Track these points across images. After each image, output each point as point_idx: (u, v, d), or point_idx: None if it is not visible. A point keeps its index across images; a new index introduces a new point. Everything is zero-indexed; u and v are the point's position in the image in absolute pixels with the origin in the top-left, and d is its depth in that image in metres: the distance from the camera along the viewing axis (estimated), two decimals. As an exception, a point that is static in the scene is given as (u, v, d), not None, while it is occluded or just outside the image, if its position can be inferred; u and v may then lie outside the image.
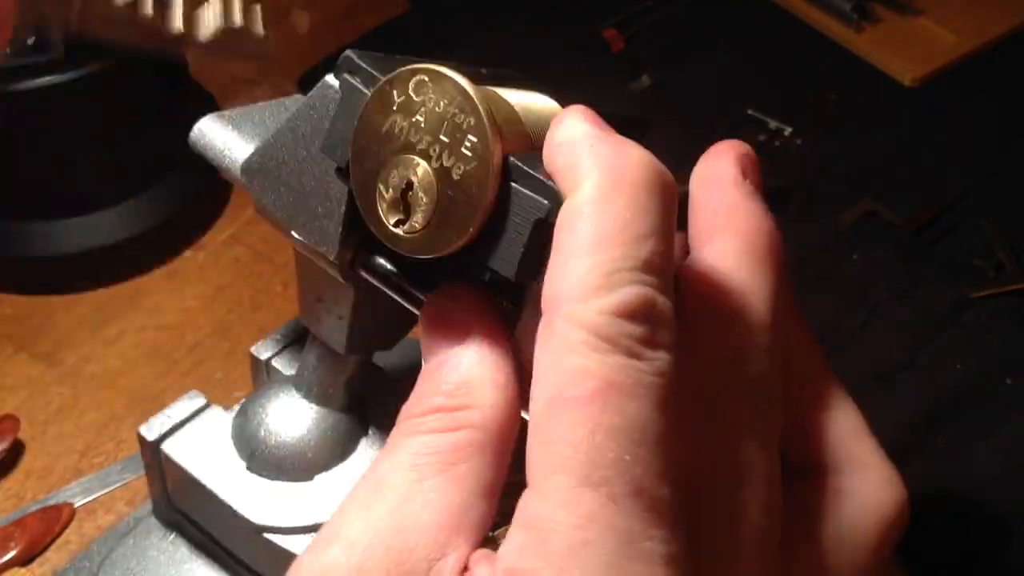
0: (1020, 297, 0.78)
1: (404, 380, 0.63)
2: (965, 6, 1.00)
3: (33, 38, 0.70)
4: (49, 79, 0.69)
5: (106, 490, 0.65)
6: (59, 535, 0.63)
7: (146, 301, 0.76)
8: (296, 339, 0.58)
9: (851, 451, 0.38)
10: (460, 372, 0.35)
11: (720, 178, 0.38)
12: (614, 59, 0.94)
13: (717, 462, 0.33)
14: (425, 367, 0.37)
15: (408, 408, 0.36)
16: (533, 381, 0.32)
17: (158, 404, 0.70)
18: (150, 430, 0.54)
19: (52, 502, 0.64)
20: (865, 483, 0.38)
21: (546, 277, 0.32)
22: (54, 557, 0.63)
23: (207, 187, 0.78)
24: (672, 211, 0.32)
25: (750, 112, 0.90)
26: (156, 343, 0.73)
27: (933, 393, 0.72)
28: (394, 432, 0.35)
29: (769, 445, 0.34)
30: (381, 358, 0.56)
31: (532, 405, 0.31)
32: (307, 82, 0.90)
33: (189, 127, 0.84)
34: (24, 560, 0.62)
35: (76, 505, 0.64)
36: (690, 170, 0.40)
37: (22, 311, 0.75)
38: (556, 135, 0.34)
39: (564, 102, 0.45)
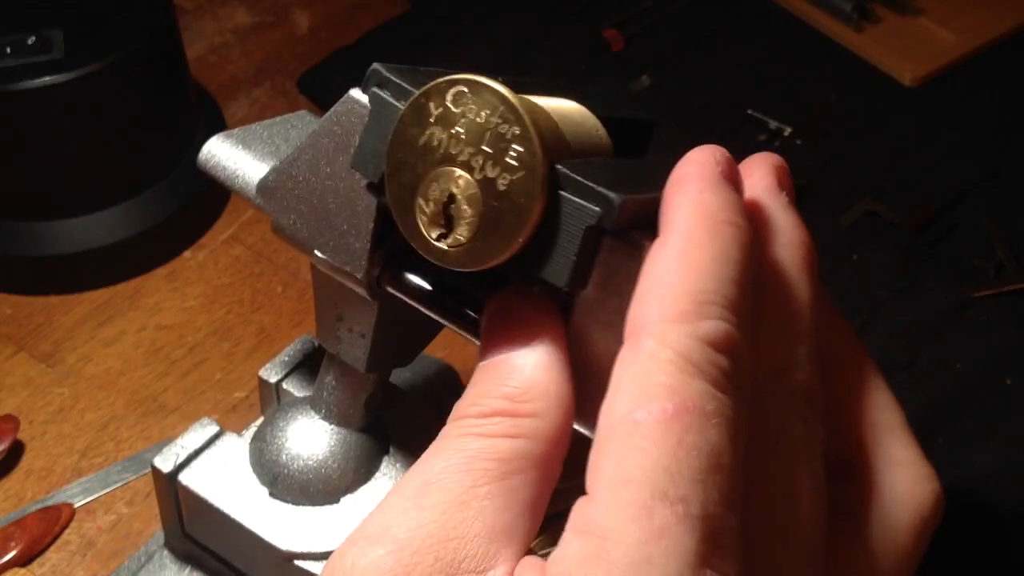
0: (1020, 297, 0.78)
1: (419, 396, 0.63)
2: (965, 6, 1.00)
3: (33, 38, 0.70)
4: (49, 79, 0.69)
5: (106, 490, 0.65)
6: (59, 535, 0.63)
7: (146, 301, 0.75)
8: (304, 359, 0.57)
9: (886, 447, 0.38)
10: (525, 376, 0.34)
11: (757, 191, 0.38)
12: (614, 59, 0.94)
13: (771, 479, 0.33)
14: (484, 364, 0.36)
15: (464, 406, 0.35)
16: (609, 393, 0.31)
17: (158, 404, 0.70)
18: (164, 461, 0.53)
19: (52, 502, 0.64)
20: (901, 481, 0.38)
21: (635, 297, 0.32)
22: (54, 557, 0.63)
23: (207, 187, 0.78)
24: (751, 275, 0.33)
25: (750, 112, 0.90)
26: (156, 343, 0.73)
27: (933, 393, 0.72)
28: (448, 429, 0.34)
29: (816, 456, 0.34)
30: (393, 375, 0.56)
31: (605, 417, 0.31)
32: (307, 82, 0.90)
33: (189, 127, 0.84)
34: (24, 560, 0.62)
35: (76, 505, 0.64)
36: None
37: (22, 311, 0.75)
38: (679, 170, 0.35)
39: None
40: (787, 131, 0.89)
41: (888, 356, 0.74)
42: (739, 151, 0.97)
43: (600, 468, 0.30)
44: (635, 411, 0.30)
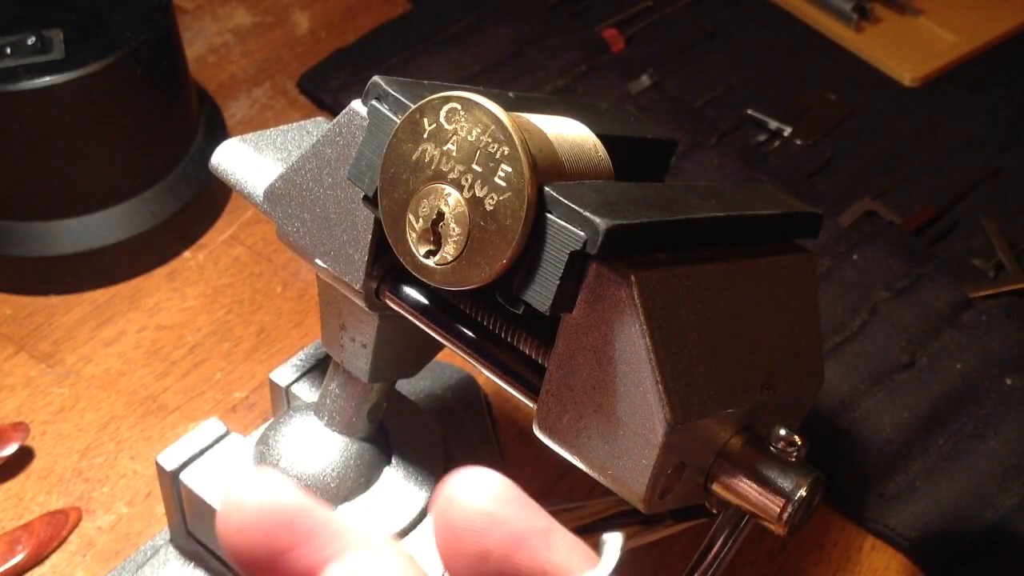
0: (1020, 297, 0.78)
1: (426, 406, 0.62)
2: (965, 6, 1.00)
3: (33, 38, 0.70)
4: (49, 79, 0.69)
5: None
6: (66, 539, 0.63)
7: (146, 301, 0.75)
8: (316, 364, 0.57)
9: None
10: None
11: None
12: (614, 59, 0.94)
13: None
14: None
15: None
16: None
17: (158, 404, 0.70)
18: (168, 459, 0.53)
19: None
20: None
21: None
22: (54, 557, 0.62)
23: (207, 187, 0.78)
24: None
25: (750, 112, 0.90)
26: (156, 343, 0.73)
27: (933, 393, 0.72)
28: None
29: None
30: (401, 384, 0.55)
31: None
32: (307, 82, 0.90)
33: (189, 127, 0.84)
34: (31, 565, 0.61)
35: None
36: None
37: (22, 311, 0.75)
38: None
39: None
40: (787, 131, 0.89)
41: (888, 356, 0.74)
42: (739, 151, 0.97)
43: None
44: None
